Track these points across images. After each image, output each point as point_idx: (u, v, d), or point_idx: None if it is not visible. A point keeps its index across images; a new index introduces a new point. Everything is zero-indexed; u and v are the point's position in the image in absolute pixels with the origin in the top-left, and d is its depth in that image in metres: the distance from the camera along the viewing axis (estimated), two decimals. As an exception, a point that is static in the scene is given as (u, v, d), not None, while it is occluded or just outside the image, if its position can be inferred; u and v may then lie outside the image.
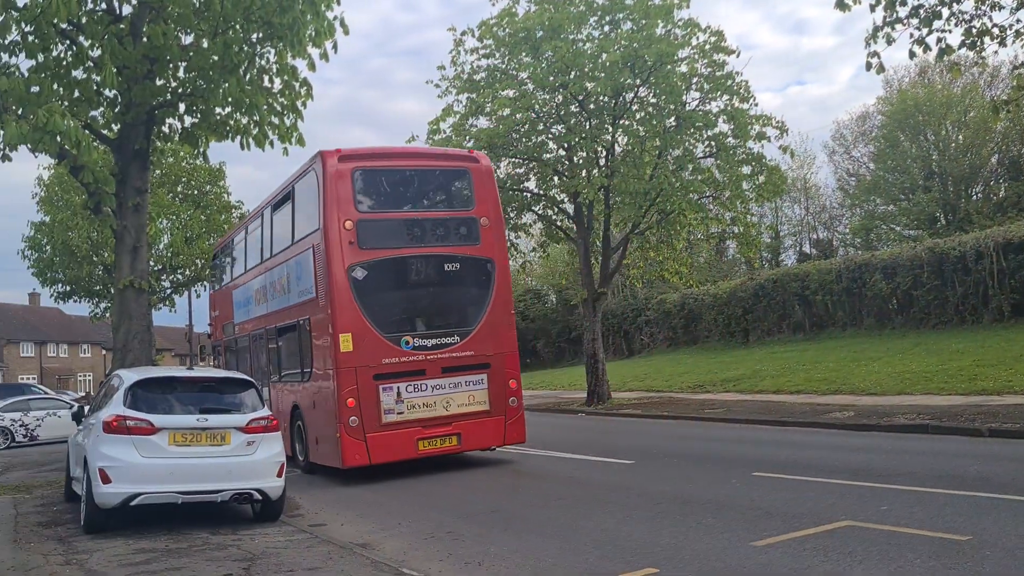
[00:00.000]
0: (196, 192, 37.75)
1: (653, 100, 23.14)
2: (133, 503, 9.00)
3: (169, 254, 36.75)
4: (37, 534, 9.53)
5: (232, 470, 9.34)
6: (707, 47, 22.28)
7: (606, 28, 23.34)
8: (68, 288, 37.19)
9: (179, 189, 37.20)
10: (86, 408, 11.39)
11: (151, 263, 36.11)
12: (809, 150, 73.55)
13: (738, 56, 22.41)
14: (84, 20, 12.41)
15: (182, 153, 33.74)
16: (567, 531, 8.61)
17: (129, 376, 9.91)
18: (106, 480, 8.96)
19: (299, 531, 9.39)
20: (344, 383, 12.74)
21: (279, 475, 9.72)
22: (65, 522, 10.11)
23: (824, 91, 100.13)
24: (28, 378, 60.37)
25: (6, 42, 11.68)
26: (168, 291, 38.15)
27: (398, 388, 13.06)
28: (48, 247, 36.05)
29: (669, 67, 21.80)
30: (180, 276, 37.43)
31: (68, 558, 8.28)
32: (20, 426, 25.36)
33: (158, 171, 35.79)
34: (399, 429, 12.99)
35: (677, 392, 25.88)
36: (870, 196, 49.68)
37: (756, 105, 22.52)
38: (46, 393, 36.44)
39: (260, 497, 9.58)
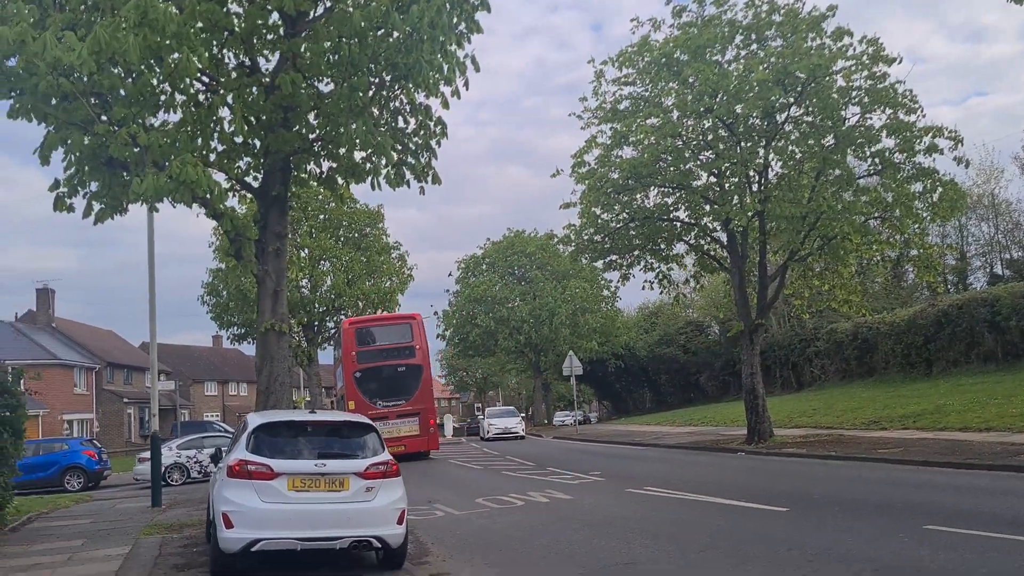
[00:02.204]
0: (356, 235, 39.17)
1: (808, 118, 21.82)
2: (254, 549, 8.92)
3: (332, 296, 38.24)
4: (169, 576, 9.67)
5: (351, 517, 9.10)
6: (865, 58, 20.73)
7: (753, 47, 22.23)
8: (243, 331, 39.42)
9: (340, 233, 38.73)
10: (223, 450, 11.57)
11: (316, 305, 37.66)
12: (996, 163, 67.97)
13: (900, 63, 20.67)
14: (222, 78, 12.83)
15: (344, 198, 35.40)
16: (700, 591, 7.78)
17: (254, 420, 9.93)
18: (229, 525, 8.94)
19: (420, 581, 9.02)
20: None
21: (399, 522, 9.40)
22: (199, 564, 10.21)
23: (1009, 100, 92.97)
24: (212, 415, 64.46)
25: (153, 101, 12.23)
26: (332, 331, 39.62)
27: None
28: (224, 292, 38.41)
29: (824, 81, 20.45)
30: (344, 316, 38.84)
31: (191, 604, 8.25)
32: (195, 462, 26.70)
33: (321, 215, 37.49)
34: None
35: (848, 429, 23.97)
36: (1070, 210, 44.98)
37: (924, 116, 20.73)
38: (226, 430, 38.52)
39: (379, 545, 9.28)
